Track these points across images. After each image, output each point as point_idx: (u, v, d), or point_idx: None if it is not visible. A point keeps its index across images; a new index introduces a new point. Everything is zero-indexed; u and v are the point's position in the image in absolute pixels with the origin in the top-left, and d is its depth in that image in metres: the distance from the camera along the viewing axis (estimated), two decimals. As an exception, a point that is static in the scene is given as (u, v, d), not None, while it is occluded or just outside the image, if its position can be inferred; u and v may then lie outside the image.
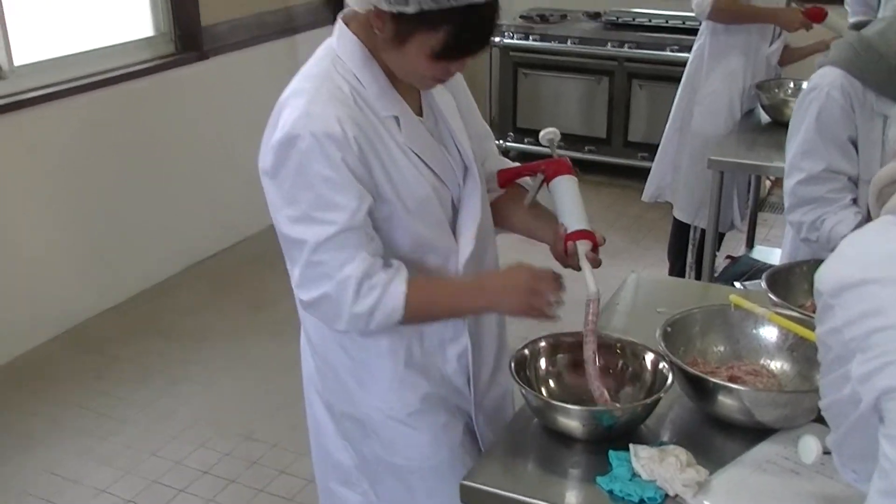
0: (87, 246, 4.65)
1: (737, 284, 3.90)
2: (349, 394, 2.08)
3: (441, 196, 1.97)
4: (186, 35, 5.09)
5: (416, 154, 1.93)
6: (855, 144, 2.65)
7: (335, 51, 1.91)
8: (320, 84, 1.86)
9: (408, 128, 1.93)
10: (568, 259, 2.02)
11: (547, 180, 2.04)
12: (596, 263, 2.00)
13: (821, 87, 2.64)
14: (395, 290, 1.86)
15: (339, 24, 1.92)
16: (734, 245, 5.18)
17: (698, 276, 4.48)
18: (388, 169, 1.88)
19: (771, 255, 4.59)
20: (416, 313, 1.91)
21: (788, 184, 2.75)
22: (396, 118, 1.91)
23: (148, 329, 4.62)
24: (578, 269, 1.99)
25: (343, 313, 1.87)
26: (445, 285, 2.01)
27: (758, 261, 4.43)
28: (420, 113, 1.98)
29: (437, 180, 1.96)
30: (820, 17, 4.28)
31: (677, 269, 4.83)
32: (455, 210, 2.03)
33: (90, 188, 4.62)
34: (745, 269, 4.26)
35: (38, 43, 4.43)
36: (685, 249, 4.78)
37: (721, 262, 4.66)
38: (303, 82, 1.89)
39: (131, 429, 3.85)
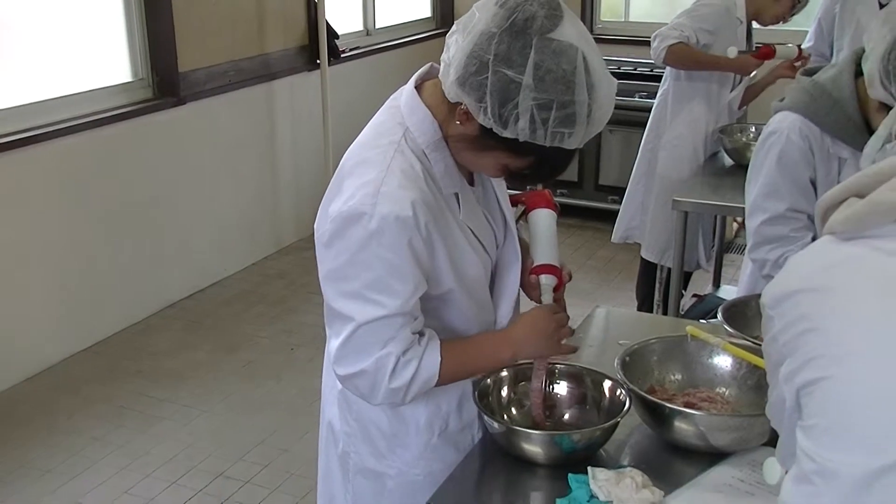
0: (63, 287, 4.66)
1: (702, 322, 3.95)
2: (376, 453, 2.03)
3: (486, 268, 1.96)
4: (164, 81, 5.13)
5: (471, 230, 1.90)
6: (814, 184, 2.72)
7: (406, 121, 1.82)
8: (392, 158, 1.77)
9: (466, 204, 1.89)
10: (532, 292, 2.04)
11: (526, 211, 2.04)
12: (559, 301, 2.02)
13: (781, 131, 2.70)
14: (429, 361, 1.83)
15: (412, 90, 1.85)
16: (701, 284, 5.24)
17: (665, 314, 4.53)
18: (450, 250, 1.84)
19: (737, 294, 4.65)
20: (450, 377, 1.89)
21: (752, 223, 2.81)
22: (457, 195, 1.87)
23: (122, 370, 4.62)
24: (541, 301, 2.01)
25: (379, 389, 1.82)
26: (474, 346, 1.97)
27: (724, 299, 4.47)
28: (472, 181, 1.95)
29: (484, 253, 1.94)
30: (771, 54, 4.37)
31: (645, 308, 4.89)
32: (493, 274, 2.02)
33: (66, 230, 4.64)
34: (711, 308, 4.32)
35: (16, 88, 4.46)
36: (653, 288, 4.83)
37: (688, 301, 4.71)
38: (372, 152, 1.81)
39: (104, 468, 3.84)
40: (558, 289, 2.01)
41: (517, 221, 2.09)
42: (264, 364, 4.70)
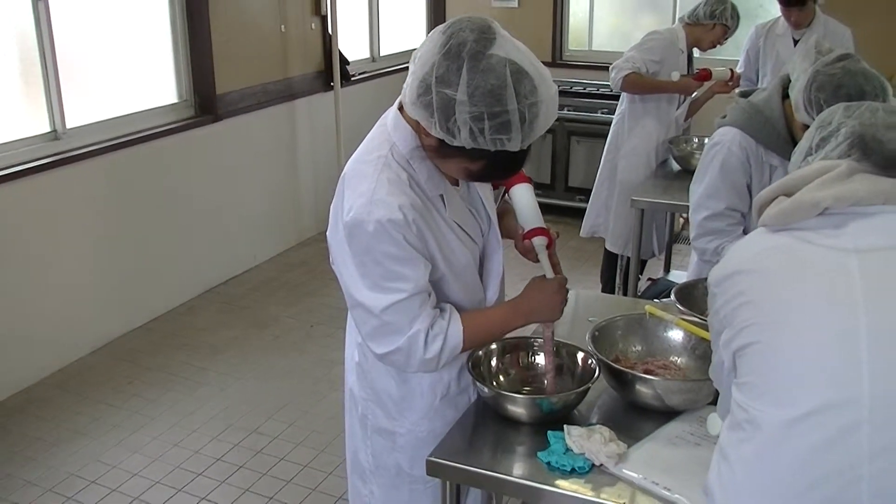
0: (122, 275, 4.66)
1: (657, 301, 3.96)
2: (388, 414, 2.03)
3: (474, 255, 1.95)
4: (203, 101, 5.12)
5: (458, 225, 1.89)
6: (749, 188, 2.74)
7: (391, 137, 1.82)
8: (381, 170, 1.77)
9: (451, 203, 1.88)
10: (528, 254, 2.02)
11: (506, 189, 2.03)
12: (553, 256, 1.99)
13: (723, 143, 2.72)
14: (454, 331, 1.84)
15: (396, 110, 1.84)
16: (654, 270, 5.24)
17: (625, 296, 4.55)
18: (440, 242, 1.84)
19: (684, 278, 4.63)
20: (472, 343, 1.91)
21: (695, 218, 2.83)
22: (442, 196, 1.86)
23: (171, 343, 4.62)
24: (537, 260, 1.99)
25: (414, 361, 1.83)
26: (490, 315, 1.98)
27: (674, 282, 4.45)
28: (456, 182, 1.93)
29: (471, 242, 1.94)
30: (708, 76, 4.47)
31: (608, 290, 4.90)
32: (480, 259, 2.01)
33: (125, 227, 4.64)
34: (663, 289, 4.32)
35: (85, 109, 4.46)
36: (614, 274, 4.85)
37: (644, 284, 4.72)
38: (364, 166, 1.80)
39: (158, 424, 3.85)
40: (550, 246, 1.98)
41: (501, 198, 2.09)
42: (289, 339, 4.70)
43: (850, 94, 2.28)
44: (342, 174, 1.86)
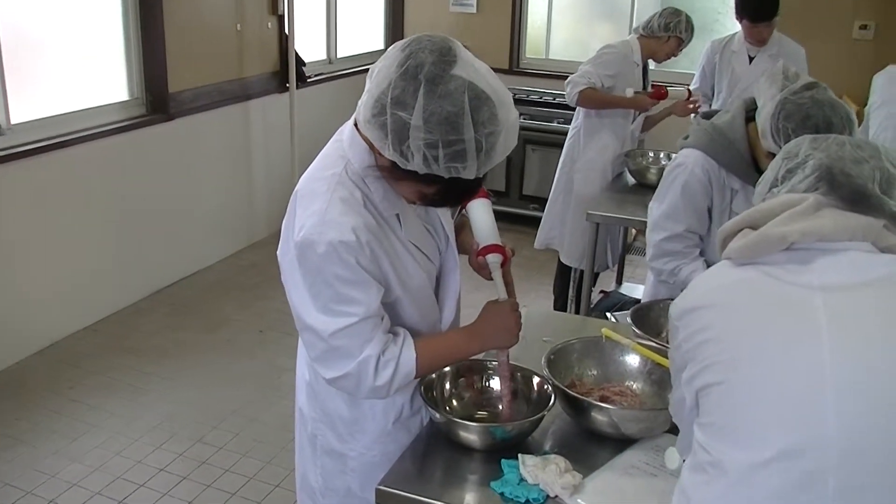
0: (68, 273, 4.51)
1: (608, 314, 3.93)
2: (339, 436, 1.96)
3: (430, 275, 1.89)
4: (156, 99, 4.98)
5: (415, 245, 1.82)
6: (710, 211, 2.70)
7: (347, 153, 1.74)
8: (334, 189, 1.69)
9: (407, 223, 1.80)
10: (482, 270, 1.94)
11: (464, 204, 1.93)
12: (507, 275, 1.91)
13: (686, 165, 2.68)
14: (406, 357, 1.76)
15: (352, 126, 1.75)
16: (607, 282, 5.22)
17: (577, 307, 4.52)
18: (394, 264, 1.77)
19: (636, 290, 4.66)
20: (426, 370, 1.83)
21: (653, 238, 2.77)
22: (397, 215, 1.79)
23: (116, 346, 4.48)
24: (491, 278, 1.91)
25: (364, 387, 1.75)
26: (445, 341, 1.90)
27: (625, 295, 4.49)
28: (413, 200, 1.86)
29: (428, 262, 1.87)
30: (664, 95, 4.43)
31: (560, 303, 4.87)
32: (437, 278, 1.94)
33: (71, 226, 4.50)
34: (615, 302, 4.31)
35: (33, 104, 4.31)
36: (567, 286, 4.81)
37: (596, 296, 4.70)
38: (318, 183, 1.72)
39: (100, 432, 3.71)
40: (505, 264, 1.91)
41: (459, 212, 2.02)
42: (239, 343, 4.59)
43: (818, 125, 2.24)
44: (294, 191, 1.77)
